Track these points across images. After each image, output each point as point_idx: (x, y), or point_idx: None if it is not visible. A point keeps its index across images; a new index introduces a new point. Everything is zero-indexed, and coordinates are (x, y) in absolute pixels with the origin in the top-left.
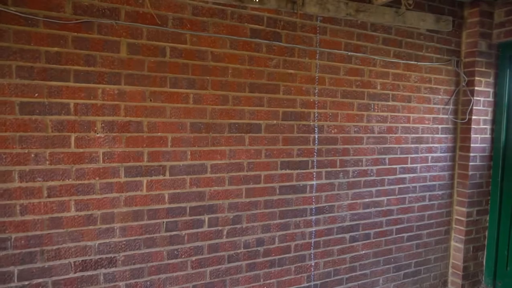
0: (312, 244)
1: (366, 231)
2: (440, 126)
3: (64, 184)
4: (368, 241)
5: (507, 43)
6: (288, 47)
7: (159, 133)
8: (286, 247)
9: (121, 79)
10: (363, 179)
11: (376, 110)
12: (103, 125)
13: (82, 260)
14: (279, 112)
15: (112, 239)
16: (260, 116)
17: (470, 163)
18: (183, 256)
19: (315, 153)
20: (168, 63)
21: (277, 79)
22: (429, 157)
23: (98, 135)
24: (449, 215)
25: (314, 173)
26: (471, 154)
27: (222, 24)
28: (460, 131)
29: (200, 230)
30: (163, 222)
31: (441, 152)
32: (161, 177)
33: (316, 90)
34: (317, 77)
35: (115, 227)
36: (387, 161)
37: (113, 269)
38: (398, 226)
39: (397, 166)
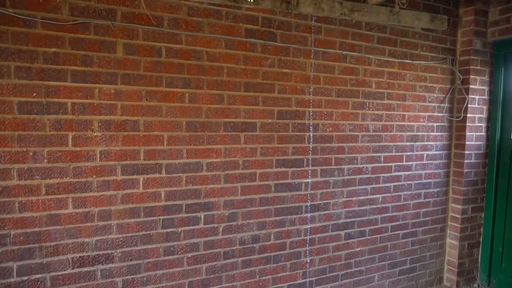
0: (308, 241)
1: (362, 229)
2: (435, 124)
3: (62, 182)
4: (363, 238)
5: (502, 41)
6: (283, 47)
7: (155, 132)
8: (281, 244)
9: (117, 79)
10: (358, 177)
11: (371, 109)
12: (100, 124)
13: (80, 256)
14: (274, 111)
15: (109, 235)
16: (255, 115)
17: (465, 161)
18: (179, 253)
19: (310, 151)
20: (164, 63)
21: (272, 78)
22: (425, 155)
23: (95, 134)
24: (445, 212)
25: (309, 171)
26: (466, 152)
27: (217, 24)
28: (455, 129)
29: (196, 227)
30: (160, 219)
31: (436, 150)
32: (157, 175)
33: (311, 89)
34: (312, 76)
35: (112, 224)
36: (382, 159)
37: (110, 265)
38: (393, 224)
39: (392, 164)
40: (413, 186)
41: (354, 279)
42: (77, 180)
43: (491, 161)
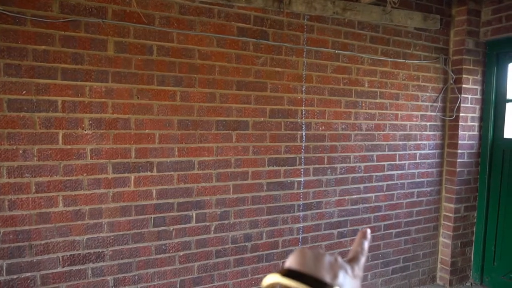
0: (300, 240)
1: (354, 227)
2: (428, 123)
3: (52, 180)
4: (356, 237)
5: (494, 41)
6: (275, 46)
7: (147, 130)
8: (274, 243)
9: (108, 77)
10: (351, 175)
11: (364, 108)
12: (90, 122)
13: (71, 255)
14: (266, 109)
15: (100, 234)
16: (247, 114)
17: (458, 160)
18: (171, 251)
19: (302, 150)
20: (155, 61)
21: (264, 77)
22: (417, 154)
23: (86, 132)
24: (437, 211)
25: (302, 170)
26: (459, 151)
27: (209, 23)
28: (448, 128)
29: (187, 225)
30: (151, 217)
31: (429, 149)
32: (148, 173)
33: (304, 88)
34: (304, 75)
35: (103, 223)
36: (375, 158)
37: (101, 263)
38: (386, 222)
39: (385, 163)
40: (406, 185)
41: None
42: (68, 178)
43: (483, 160)
